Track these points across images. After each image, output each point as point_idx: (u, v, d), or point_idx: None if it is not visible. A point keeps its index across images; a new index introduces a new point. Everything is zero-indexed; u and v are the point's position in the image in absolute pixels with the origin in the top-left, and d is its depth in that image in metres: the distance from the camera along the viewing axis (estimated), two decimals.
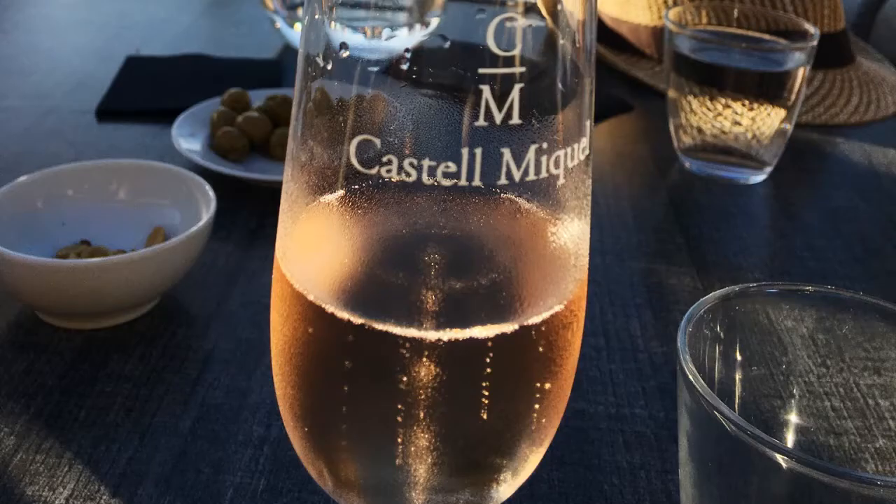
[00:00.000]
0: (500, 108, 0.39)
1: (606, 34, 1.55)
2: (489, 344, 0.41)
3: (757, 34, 1.23)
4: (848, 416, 0.61)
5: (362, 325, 0.41)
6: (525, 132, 0.40)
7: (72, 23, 1.69)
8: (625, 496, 0.70)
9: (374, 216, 0.44)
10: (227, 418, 0.75)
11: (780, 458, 0.46)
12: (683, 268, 1.00)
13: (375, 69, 0.41)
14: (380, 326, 0.41)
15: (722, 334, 0.60)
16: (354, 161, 0.41)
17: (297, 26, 1.46)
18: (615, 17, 1.54)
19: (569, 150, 0.42)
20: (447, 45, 0.40)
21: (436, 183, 0.40)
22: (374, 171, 0.41)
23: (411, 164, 0.40)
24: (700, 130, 1.18)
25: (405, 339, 0.40)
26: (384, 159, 0.41)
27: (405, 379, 0.41)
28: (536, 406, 0.44)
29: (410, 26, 0.42)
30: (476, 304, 0.42)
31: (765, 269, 1.03)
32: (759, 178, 1.20)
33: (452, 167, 0.40)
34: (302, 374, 0.45)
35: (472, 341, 0.41)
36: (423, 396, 0.41)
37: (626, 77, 1.49)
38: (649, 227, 1.08)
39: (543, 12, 0.40)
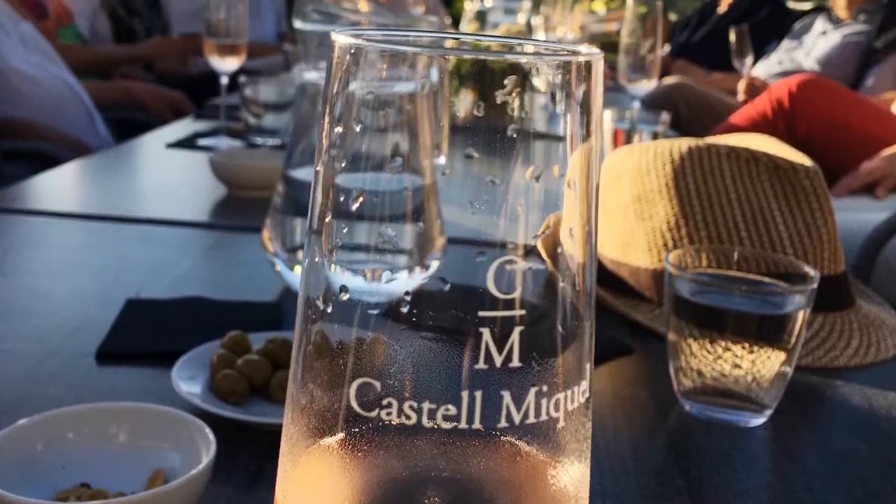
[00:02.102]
0: (500, 351, 0.40)
1: (606, 277, 1.57)
2: None
3: (757, 277, 1.24)
4: None
5: None
6: (525, 375, 0.41)
7: (72, 266, 1.70)
8: None
9: (373, 459, 0.44)
10: None
11: None
12: None
13: (375, 312, 0.41)
14: None
15: None
16: (354, 404, 0.41)
17: (297, 269, 1.48)
18: (615, 260, 1.56)
19: (569, 392, 0.42)
20: (447, 287, 0.40)
21: (436, 426, 0.40)
22: (374, 413, 0.41)
23: (411, 407, 0.40)
24: (700, 373, 1.18)
25: None
26: (384, 402, 0.41)
27: None
28: None
29: (410, 269, 0.42)
30: None
31: None
32: (758, 420, 1.20)
33: (452, 410, 0.40)
34: None
35: None
36: None
37: (626, 320, 1.50)
38: (649, 470, 1.07)
39: (543, 255, 0.40)
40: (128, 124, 3.86)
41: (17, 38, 3.43)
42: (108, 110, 3.84)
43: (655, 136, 2.38)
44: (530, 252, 0.40)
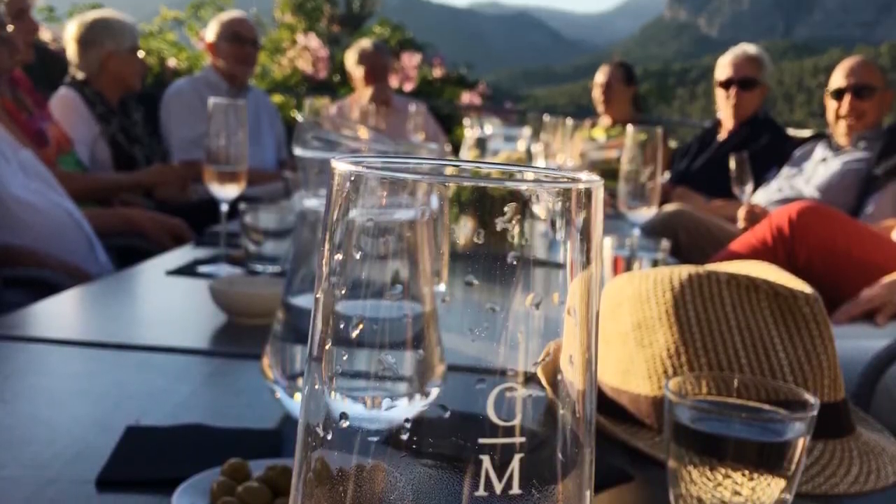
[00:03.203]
0: (500, 478, 0.39)
1: (606, 404, 1.56)
2: None
3: (757, 404, 1.24)
4: None
5: None
6: (525, 502, 0.40)
7: (72, 393, 1.70)
8: None
9: None
10: None
11: None
12: None
13: (375, 439, 0.41)
14: None
15: None
16: None
17: (298, 396, 1.47)
18: (615, 387, 1.55)
19: None
20: (447, 414, 0.40)
21: None
22: None
23: None
24: (700, 500, 1.17)
25: None
26: None
27: None
28: None
29: (410, 396, 0.42)
30: None
31: None
32: None
33: None
34: None
35: None
36: None
37: (626, 447, 1.49)
38: None
39: (543, 382, 0.40)
40: (128, 251, 3.86)
41: (18, 165, 3.45)
42: (108, 237, 3.84)
43: (655, 264, 2.38)
44: (530, 379, 0.40)
